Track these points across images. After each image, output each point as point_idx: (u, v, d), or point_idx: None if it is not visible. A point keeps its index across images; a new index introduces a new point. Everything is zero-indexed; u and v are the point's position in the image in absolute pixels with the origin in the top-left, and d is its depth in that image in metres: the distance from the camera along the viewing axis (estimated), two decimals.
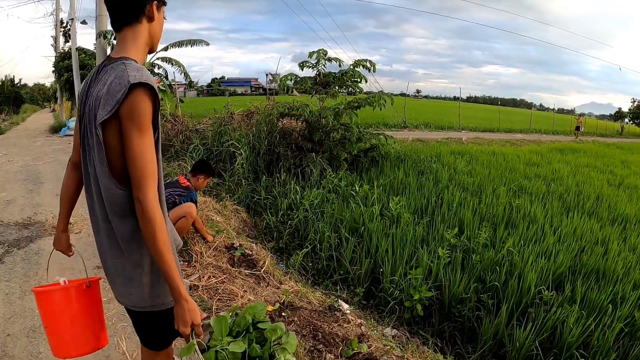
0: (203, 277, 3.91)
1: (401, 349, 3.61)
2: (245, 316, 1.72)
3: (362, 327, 3.69)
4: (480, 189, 8.51)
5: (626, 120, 61.36)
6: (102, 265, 1.71)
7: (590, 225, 6.94)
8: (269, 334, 1.66)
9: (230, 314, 1.76)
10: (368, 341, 3.36)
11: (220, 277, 3.96)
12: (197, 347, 1.56)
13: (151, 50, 1.70)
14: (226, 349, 1.56)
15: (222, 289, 3.72)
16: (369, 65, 9.00)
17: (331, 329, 3.43)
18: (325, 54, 9.08)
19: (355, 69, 9.14)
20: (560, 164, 13.16)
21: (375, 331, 3.87)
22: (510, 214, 7.03)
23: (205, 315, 1.66)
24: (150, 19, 1.60)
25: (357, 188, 7.39)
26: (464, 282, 4.69)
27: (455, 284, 4.68)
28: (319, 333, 3.32)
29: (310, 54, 9.11)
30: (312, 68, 9.22)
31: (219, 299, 3.61)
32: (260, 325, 1.73)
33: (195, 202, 4.56)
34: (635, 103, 59.83)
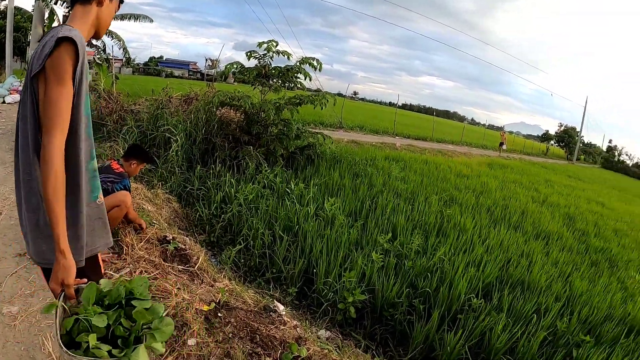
0: (134, 271, 3.82)
1: (338, 353, 3.73)
2: (119, 288, 1.66)
3: (298, 329, 3.75)
4: (413, 196, 8.88)
5: (552, 142, 67.00)
6: (20, 225, 1.79)
7: (516, 238, 7.46)
8: (138, 315, 1.58)
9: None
10: (305, 344, 3.43)
11: (152, 272, 3.88)
12: (59, 309, 1.53)
13: (96, 36, 1.91)
14: (89, 319, 1.51)
15: (155, 286, 3.63)
16: (315, 64, 9.11)
17: (268, 331, 3.46)
18: (276, 46, 9.10)
19: (302, 65, 9.23)
20: (488, 177, 13.95)
21: (310, 333, 3.96)
22: (441, 223, 7.40)
23: (85, 280, 1.67)
24: (100, 3, 1.81)
25: (293, 186, 7.49)
26: (397, 287, 4.91)
27: (388, 289, 4.88)
28: (257, 335, 3.34)
29: (260, 44, 9.05)
30: (260, 59, 9.21)
31: (152, 297, 3.52)
32: (135, 303, 1.64)
33: (129, 190, 4.43)
34: (562, 127, 65.69)
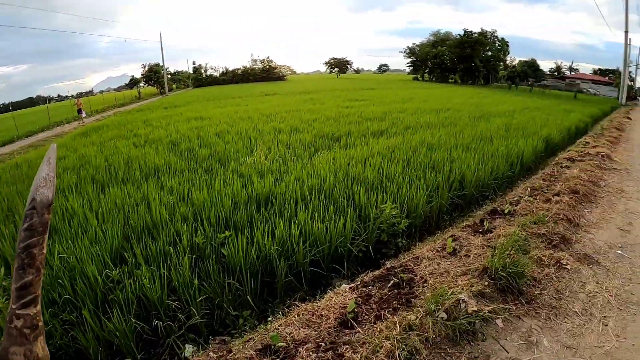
0: None
1: None
2: None
3: None
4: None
5: (141, 84, 70.09)
6: None
7: (126, 192, 7.30)
8: None
9: None
10: None
11: None
12: None
13: None
14: None
15: None
16: None
17: None
18: None
19: None
20: (86, 147, 13.13)
21: None
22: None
23: None
24: None
25: None
26: None
27: None
28: None
29: None
30: None
31: None
32: None
33: None
34: (146, 67, 69.23)
